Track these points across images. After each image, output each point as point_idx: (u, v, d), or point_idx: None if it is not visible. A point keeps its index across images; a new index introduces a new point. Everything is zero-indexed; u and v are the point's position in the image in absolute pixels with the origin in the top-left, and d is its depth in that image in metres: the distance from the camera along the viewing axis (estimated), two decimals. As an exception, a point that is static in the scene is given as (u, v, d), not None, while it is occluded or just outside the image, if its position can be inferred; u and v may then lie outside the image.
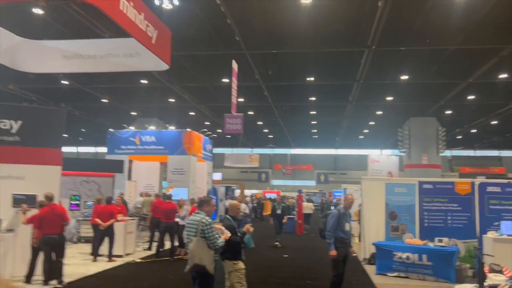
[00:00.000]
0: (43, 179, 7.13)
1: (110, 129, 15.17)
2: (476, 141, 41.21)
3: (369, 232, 9.79)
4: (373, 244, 8.90)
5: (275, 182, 53.67)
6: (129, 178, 15.42)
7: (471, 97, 22.46)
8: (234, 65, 12.51)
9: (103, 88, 22.54)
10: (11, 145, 7.10)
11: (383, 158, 15.71)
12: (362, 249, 10.21)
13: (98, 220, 9.51)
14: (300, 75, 19.75)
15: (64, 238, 7.13)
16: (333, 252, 6.55)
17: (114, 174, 12.70)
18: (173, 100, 25.04)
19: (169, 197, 10.68)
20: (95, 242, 9.84)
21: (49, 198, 6.90)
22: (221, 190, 22.46)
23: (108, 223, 9.49)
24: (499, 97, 22.16)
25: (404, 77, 19.19)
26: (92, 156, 48.53)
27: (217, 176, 42.87)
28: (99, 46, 7.79)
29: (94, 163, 15.56)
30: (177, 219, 10.81)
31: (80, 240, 12.05)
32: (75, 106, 27.57)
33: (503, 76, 18.17)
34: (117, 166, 12.85)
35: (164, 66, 7.45)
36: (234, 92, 12.72)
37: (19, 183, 7.07)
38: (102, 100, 25.32)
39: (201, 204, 5.19)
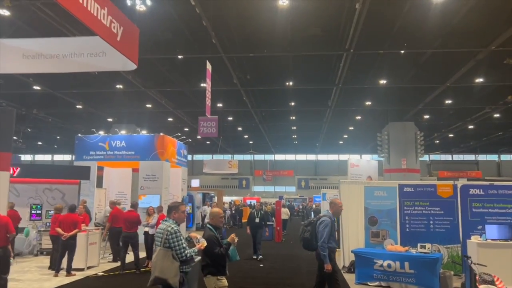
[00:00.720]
0: None
1: (78, 135, 14.48)
2: (454, 145, 41.84)
3: (348, 239, 9.45)
4: (352, 251, 8.56)
5: (256, 188, 53.37)
6: (100, 185, 14.76)
7: (448, 101, 22.66)
8: (208, 66, 12.14)
9: (76, 93, 21.86)
10: None
11: (362, 162, 15.56)
12: (341, 257, 9.81)
13: (60, 230, 8.83)
14: (279, 80, 19.52)
15: (8, 251, 6.46)
16: (329, 267, 5.98)
17: (79, 181, 12.05)
18: (150, 106, 24.49)
19: (134, 205, 10.02)
20: (55, 255, 9.16)
21: None
22: (198, 197, 21.93)
23: (71, 233, 8.83)
24: (476, 101, 22.41)
25: (383, 81, 19.17)
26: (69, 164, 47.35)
27: (196, 183, 42.32)
28: (63, 45, 7.30)
29: (58, 169, 14.70)
30: (146, 228, 10.23)
31: (42, 252, 11.24)
32: (48, 113, 26.71)
33: (479, 80, 18.32)
34: (83, 173, 12.16)
35: (132, 66, 7.01)
36: (208, 94, 12.31)
37: None
38: (77, 106, 24.58)
39: (169, 210, 4.73)
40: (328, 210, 6.50)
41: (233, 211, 25.45)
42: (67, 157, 49.59)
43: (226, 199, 36.53)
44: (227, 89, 20.17)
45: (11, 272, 8.34)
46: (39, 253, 11.33)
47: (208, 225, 5.02)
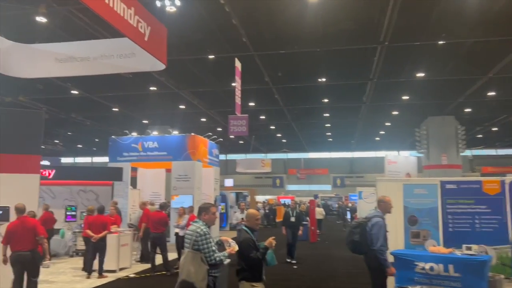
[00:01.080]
0: (20, 189, 6.54)
1: (112, 136, 14.72)
2: (498, 139, 39.82)
3: (386, 240, 9.02)
4: (391, 253, 8.10)
5: (290, 187, 52.96)
6: (134, 186, 14.95)
7: (491, 93, 21.49)
8: (237, 64, 12.01)
9: (112, 96, 22.35)
10: None
11: (400, 159, 14.95)
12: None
13: (89, 232, 8.85)
14: (311, 76, 19.15)
15: (38, 255, 6.42)
16: (393, 270, 5.56)
17: (112, 183, 12.21)
18: (183, 107, 24.71)
19: (163, 206, 9.97)
20: (87, 256, 9.20)
21: (20, 210, 6.23)
22: (231, 196, 21.84)
23: (100, 235, 8.82)
24: (522, 92, 21.17)
25: (420, 74, 18.42)
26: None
27: (229, 182, 42.47)
28: (93, 47, 7.38)
29: (92, 171, 15.00)
30: (176, 230, 10.16)
31: (78, 253, 11.30)
32: (86, 116, 27.50)
33: (525, 69, 17.25)
34: (115, 174, 12.31)
35: (161, 66, 6.97)
36: (238, 92, 12.19)
37: None
38: (113, 109, 25.17)
39: (199, 212, 4.58)
40: (376, 209, 6.04)
41: (267, 210, 25.30)
42: (105, 159, 50.93)
43: (260, 198, 36.48)
44: (258, 87, 20.02)
45: (46, 274, 8.55)
46: (74, 254, 11.49)
47: (243, 227, 4.79)
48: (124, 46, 7.13)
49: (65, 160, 49.09)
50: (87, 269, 9.05)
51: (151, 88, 20.70)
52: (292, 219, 11.84)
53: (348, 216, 24.94)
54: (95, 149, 45.35)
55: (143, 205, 11.25)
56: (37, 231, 6.25)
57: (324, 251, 13.69)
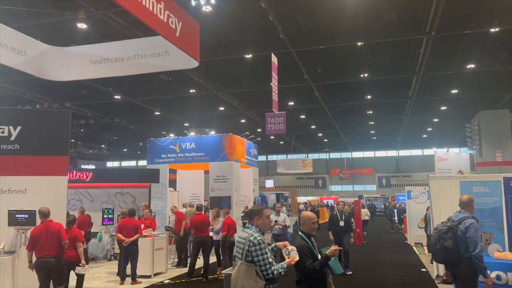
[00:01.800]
0: (47, 192, 6.44)
1: (150, 138, 14.77)
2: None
3: (442, 243, 8.26)
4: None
5: (333, 187, 51.91)
6: (174, 188, 14.92)
7: (551, 83, 19.86)
8: (274, 59, 11.61)
9: (153, 100, 22.67)
10: (10, 155, 6.46)
11: (451, 155, 13.95)
12: (435, 264, 8.63)
13: (121, 236, 8.56)
14: (352, 72, 18.46)
15: (63, 261, 6.16)
16: (490, 282, 4.75)
17: (149, 185, 12.14)
18: (222, 108, 24.69)
19: (200, 208, 9.52)
20: (120, 261, 8.95)
21: (44, 214, 6.00)
22: (272, 197, 21.41)
23: (132, 239, 8.49)
24: None
25: (470, 66, 17.26)
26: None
27: (270, 183, 42.12)
28: (127, 47, 7.28)
29: (128, 173, 14.97)
30: (210, 233, 9.70)
31: (116, 257, 11.04)
32: (129, 120, 28.13)
33: None
34: (152, 176, 12.23)
35: (194, 63, 6.74)
36: (274, 88, 11.76)
37: (20, 197, 6.41)
38: (155, 112, 25.57)
39: (251, 216, 3.89)
40: (461, 211, 5.22)
41: (310, 212, 24.73)
42: (150, 162, 52.26)
43: (302, 199, 35.80)
44: (297, 85, 19.57)
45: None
46: (112, 257, 11.36)
47: (299, 233, 4.21)
48: (157, 45, 6.97)
49: (110, 164, 50.73)
50: (121, 274, 8.79)
51: (191, 91, 20.79)
52: (341, 223, 10.15)
53: (396, 217, 23.81)
54: (139, 152, 46.51)
55: (174, 208, 11.04)
56: (61, 236, 6.00)
57: (371, 255, 12.87)
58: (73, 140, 31.21)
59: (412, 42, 15.29)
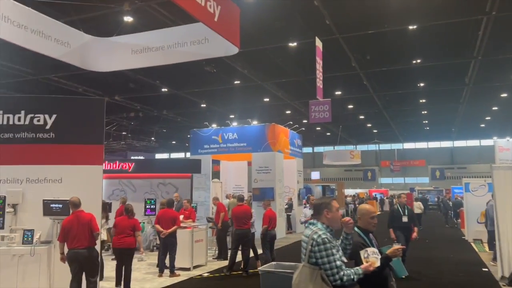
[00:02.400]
0: (82, 181, 6.40)
1: (194, 129, 14.79)
2: None
3: (507, 240, 7.49)
4: None
5: (383, 180, 50.31)
6: (217, 178, 14.88)
7: None
8: (318, 43, 11.09)
9: (199, 92, 22.80)
10: (45, 143, 6.46)
11: (515, 145, 12.90)
12: (499, 264, 7.85)
13: (158, 227, 8.33)
14: (404, 58, 17.50)
15: (95, 252, 6.07)
16: None
17: (191, 175, 12.07)
18: (267, 99, 24.42)
19: (241, 198, 9.11)
20: (159, 253, 8.83)
21: (74, 204, 5.91)
22: (317, 190, 20.93)
23: (170, 230, 8.25)
24: None
25: (537, 48, 15.81)
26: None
27: (316, 175, 41.46)
28: (167, 36, 7.20)
29: (170, 163, 14.95)
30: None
31: (158, 248, 10.70)
32: (176, 113, 28.60)
33: None
34: (194, 166, 12.16)
35: (234, 50, 6.51)
36: (319, 74, 11.21)
37: (56, 186, 6.42)
38: (201, 105, 25.78)
39: (317, 209, 3.39)
40: None
41: (357, 205, 23.96)
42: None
43: (349, 191, 34.92)
44: (345, 74, 18.88)
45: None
46: (154, 248, 11.32)
47: (355, 228, 3.65)
48: (197, 32, 6.82)
49: (159, 156, 52.11)
50: (159, 266, 8.67)
51: (235, 82, 20.69)
52: (404, 218, 9.03)
53: (451, 211, 22.50)
54: (187, 144, 47.36)
55: (215, 200, 10.88)
56: (92, 227, 5.89)
57: (425, 252, 11.94)
58: (124, 133, 32.28)
59: (469, 23, 14.19)
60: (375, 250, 3.34)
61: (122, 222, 7.28)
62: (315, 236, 3.15)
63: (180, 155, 54.54)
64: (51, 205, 6.23)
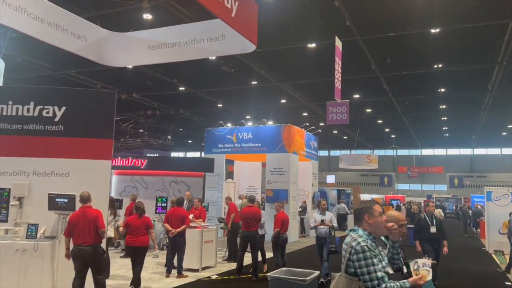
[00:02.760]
0: (90, 176, 6.26)
1: (208, 128, 14.68)
2: None
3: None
4: None
5: (399, 186, 49.52)
6: (231, 178, 14.75)
7: None
8: (338, 43, 10.84)
9: (215, 91, 22.77)
10: (54, 136, 6.33)
11: (540, 155, 12.37)
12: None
13: (168, 226, 8.12)
14: (425, 62, 17.11)
15: (101, 250, 5.84)
16: None
17: (204, 174, 11.93)
18: (284, 101, 24.24)
19: (252, 199, 8.87)
20: (168, 252, 8.65)
21: (83, 199, 5.76)
22: (332, 193, 20.59)
23: (178, 229, 8.02)
24: None
25: None
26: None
27: (331, 179, 41.03)
28: (183, 32, 7.10)
29: (183, 161, 14.68)
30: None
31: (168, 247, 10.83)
32: (193, 112, 28.64)
33: None
34: (207, 165, 12.01)
35: (251, 47, 6.37)
36: (338, 75, 10.95)
37: (63, 180, 6.28)
38: (217, 104, 25.75)
39: (358, 214, 3.07)
40: None
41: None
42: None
43: (365, 197, 34.44)
44: (364, 77, 18.58)
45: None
46: (164, 247, 11.10)
47: (382, 237, 3.34)
48: (214, 29, 6.71)
49: (175, 154, 52.36)
50: (167, 266, 8.47)
51: (253, 82, 20.58)
52: (433, 229, 8.11)
53: (471, 220, 21.80)
54: (203, 144, 47.42)
55: (227, 200, 10.70)
56: (98, 224, 5.69)
57: (443, 261, 11.22)
58: (141, 131, 32.49)
59: (494, 28, 13.78)
60: (427, 261, 2.97)
61: (135, 221, 7.20)
62: (354, 244, 2.86)
63: (196, 154, 54.73)
64: (56, 200, 6.09)
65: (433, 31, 13.67)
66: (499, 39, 14.33)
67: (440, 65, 17.25)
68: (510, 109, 25.10)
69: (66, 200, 6.08)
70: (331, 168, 47.26)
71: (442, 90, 21.27)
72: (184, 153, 55.47)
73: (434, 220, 8.36)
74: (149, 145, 35.55)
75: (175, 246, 8.25)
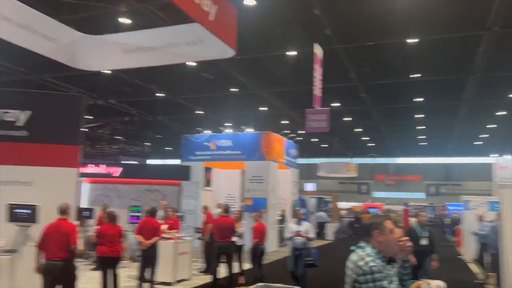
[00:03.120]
0: (55, 185, 5.95)
1: (185, 134, 14.42)
2: None
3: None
4: None
5: (377, 194, 50.03)
6: (208, 187, 14.47)
7: None
8: (317, 50, 10.81)
9: (194, 98, 22.55)
10: (17, 142, 6.00)
11: (513, 164, 12.64)
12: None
13: (141, 237, 7.63)
14: (403, 71, 17.35)
15: (72, 266, 5.53)
16: None
17: (180, 182, 11.63)
18: (264, 108, 24.19)
19: (227, 210, 8.52)
20: (140, 265, 8.04)
21: (61, 210, 5.43)
22: (312, 201, 20.47)
23: (150, 241, 7.53)
24: None
25: (535, 66, 15.71)
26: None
27: (311, 187, 41.12)
28: (160, 35, 6.90)
29: (158, 169, 14.01)
30: (234, 238, 8.66)
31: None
32: (171, 119, 28.27)
33: None
34: (183, 173, 11.71)
35: (230, 52, 6.23)
36: (317, 82, 10.87)
37: (25, 190, 5.90)
38: (196, 111, 25.49)
39: (366, 230, 2.77)
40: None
41: (352, 219, 23.55)
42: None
43: (344, 205, 34.53)
44: (342, 85, 18.70)
45: (96, 282, 7.56)
46: (138, 258, 10.67)
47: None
48: (192, 33, 6.53)
49: (153, 162, 51.53)
50: (139, 279, 7.88)
51: (232, 90, 20.45)
52: (423, 241, 7.70)
53: (449, 229, 22.01)
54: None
55: (205, 209, 10.40)
56: (70, 239, 5.30)
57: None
58: (118, 137, 31.88)
59: (470, 39, 14.08)
60: (440, 284, 2.79)
61: (109, 230, 6.89)
62: (361, 264, 2.58)
63: (176, 161, 53.95)
64: (16, 210, 5.63)
65: (410, 41, 13.86)
66: (474, 50, 14.64)
67: (417, 75, 17.51)
68: (484, 119, 25.74)
69: (28, 211, 5.65)
70: (310, 176, 47.44)
71: (419, 99, 21.60)
72: (162, 160, 54.68)
73: (426, 231, 7.93)
74: (126, 152, 34.92)
75: (147, 258, 7.77)
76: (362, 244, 2.74)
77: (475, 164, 45.36)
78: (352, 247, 2.82)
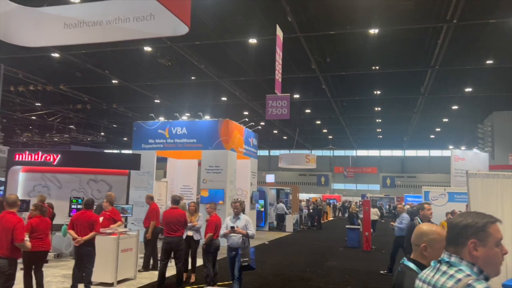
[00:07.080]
0: None
1: (137, 121, 13.58)
2: None
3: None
4: (503, 285, 5.43)
5: (335, 186, 50.90)
6: (161, 178, 13.78)
7: None
8: (279, 32, 10.30)
9: (151, 85, 21.63)
10: None
11: (469, 155, 12.90)
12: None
13: (73, 233, 6.63)
14: (364, 63, 17.32)
15: (14, 265, 5.00)
16: None
17: (129, 172, 10.79)
18: (225, 98, 23.62)
19: (176, 201, 7.51)
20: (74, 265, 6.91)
21: (9, 203, 4.91)
22: (271, 193, 20.18)
23: (85, 237, 6.57)
24: None
25: (490, 62, 16.12)
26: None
27: (271, 178, 41.10)
28: (106, 9, 6.19)
29: (104, 157, 12.59)
30: (189, 233, 7.82)
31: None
32: (127, 107, 27.08)
33: None
34: (132, 162, 10.86)
35: (184, 29, 5.67)
36: (278, 66, 10.38)
37: None
38: (154, 100, 24.53)
39: (457, 235, 1.73)
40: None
41: (311, 210, 23.54)
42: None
43: (304, 196, 34.76)
44: (304, 76, 18.47)
45: (20, 281, 6.52)
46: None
47: (407, 263, 2.21)
48: (142, 8, 5.91)
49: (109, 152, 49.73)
50: (72, 281, 6.77)
51: (192, 77, 19.76)
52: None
53: (406, 220, 22.33)
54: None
55: (149, 199, 9.48)
56: (15, 235, 4.83)
57: (382, 264, 10.71)
58: (70, 126, 30.22)
59: (428, 31, 14.18)
60: None
61: (41, 223, 6.26)
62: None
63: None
64: None
65: (372, 31, 13.74)
66: (433, 43, 14.77)
67: (377, 67, 17.54)
68: (439, 112, 26.45)
69: None
70: (271, 167, 47.41)
71: (378, 92, 21.78)
72: (118, 151, 52.87)
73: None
74: (78, 141, 33.21)
75: (82, 256, 6.76)
76: (449, 257, 1.73)
77: (429, 157, 47.04)
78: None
